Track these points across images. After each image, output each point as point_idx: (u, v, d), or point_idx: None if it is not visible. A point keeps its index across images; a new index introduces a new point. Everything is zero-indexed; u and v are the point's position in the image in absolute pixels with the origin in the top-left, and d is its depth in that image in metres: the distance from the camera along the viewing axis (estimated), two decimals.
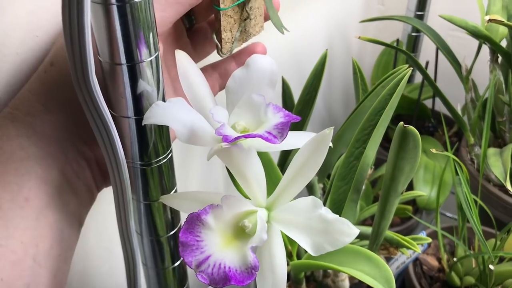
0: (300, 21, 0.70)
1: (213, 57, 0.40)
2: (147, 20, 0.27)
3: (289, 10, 0.66)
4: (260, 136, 0.27)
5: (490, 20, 0.52)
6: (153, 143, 0.32)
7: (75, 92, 0.27)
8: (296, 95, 0.53)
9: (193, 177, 0.63)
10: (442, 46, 0.71)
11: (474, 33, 0.62)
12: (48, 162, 0.31)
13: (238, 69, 0.33)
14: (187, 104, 0.30)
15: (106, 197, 0.37)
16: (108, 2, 0.26)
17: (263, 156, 0.41)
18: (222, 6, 0.35)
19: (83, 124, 0.31)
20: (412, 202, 0.75)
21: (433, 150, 0.46)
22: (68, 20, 0.24)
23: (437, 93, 0.67)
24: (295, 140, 0.30)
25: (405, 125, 0.34)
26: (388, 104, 0.40)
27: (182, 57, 0.33)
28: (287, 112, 0.30)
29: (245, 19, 0.37)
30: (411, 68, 0.40)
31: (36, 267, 0.30)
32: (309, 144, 0.29)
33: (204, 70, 0.40)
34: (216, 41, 0.36)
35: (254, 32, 0.39)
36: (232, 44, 0.37)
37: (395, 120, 0.84)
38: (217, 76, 0.40)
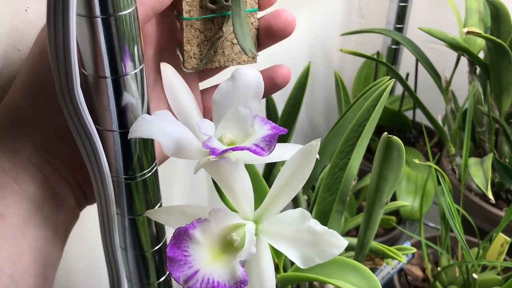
0: None
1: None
2: (132, 33, 0.27)
3: None
4: (248, 149, 0.27)
5: (468, 32, 0.53)
6: (137, 157, 0.31)
7: (36, 106, 0.26)
8: (280, 106, 0.54)
9: (177, 189, 0.62)
10: (422, 58, 0.72)
11: (453, 45, 0.63)
12: (25, 177, 0.30)
13: (224, 81, 0.33)
14: (173, 117, 0.30)
15: (89, 211, 0.36)
16: (92, 14, 0.25)
17: (250, 169, 0.41)
18: (185, 15, 0.33)
19: (58, 140, 0.31)
20: (396, 212, 0.75)
21: (416, 161, 0.47)
22: (53, 33, 0.23)
23: (418, 104, 0.68)
24: (281, 152, 0.30)
25: (389, 135, 0.34)
26: (372, 115, 0.40)
27: (167, 70, 0.32)
28: (273, 124, 0.30)
29: (219, 38, 0.35)
30: (393, 80, 0.40)
31: (13, 286, 0.29)
32: (296, 157, 0.29)
33: (210, 89, 0.38)
34: (179, 53, 0.34)
35: (238, 59, 0.36)
36: (200, 61, 0.35)
37: (376, 131, 0.85)
38: None
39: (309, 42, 0.83)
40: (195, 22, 0.34)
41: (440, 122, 0.69)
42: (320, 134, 0.95)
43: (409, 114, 0.88)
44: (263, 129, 0.29)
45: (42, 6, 0.35)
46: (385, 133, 0.34)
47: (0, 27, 0.34)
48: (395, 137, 0.34)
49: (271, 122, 0.30)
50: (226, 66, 0.37)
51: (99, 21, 0.26)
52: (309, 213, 0.28)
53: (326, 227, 0.28)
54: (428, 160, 0.82)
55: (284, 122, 0.50)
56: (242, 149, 0.27)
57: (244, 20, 0.34)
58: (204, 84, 0.39)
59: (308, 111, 0.89)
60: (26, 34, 0.35)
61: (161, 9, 0.31)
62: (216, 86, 0.38)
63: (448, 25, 0.85)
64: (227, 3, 0.35)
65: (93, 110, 0.29)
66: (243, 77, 0.33)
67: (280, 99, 0.56)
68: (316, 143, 0.28)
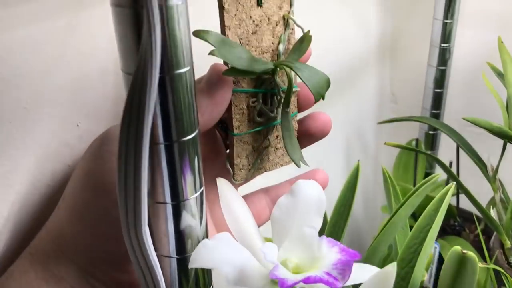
0: None
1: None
2: (195, 157, 0.26)
3: None
4: (321, 280, 0.25)
5: None
6: (195, 283, 0.29)
7: (80, 229, 0.25)
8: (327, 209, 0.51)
9: None
10: (463, 144, 0.70)
11: (500, 134, 0.61)
12: None
13: (283, 196, 0.31)
14: (233, 240, 0.28)
15: None
16: (155, 141, 0.24)
17: None
18: (236, 131, 0.33)
19: (102, 263, 0.30)
20: None
21: (481, 264, 0.43)
22: (124, 164, 0.22)
23: (465, 192, 0.65)
24: (355, 274, 0.28)
25: (463, 251, 0.31)
26: (435, 220, 0.38)
27: (223, 186, 0.31)
28: (342, 246, 0.27)
29: (266, 147, 0.35)
30: (454, 184, 0.38)
31: None
32: (370, 283, 0.26)
33: (255, 194, 0.38)
34: (229, 166, 0.34)
35: (281, 162, 0.37)
36: (249, 171, 0.35)
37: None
38: (268, 200, 0.37)
39: (346, 131, 0.82)
40: (244, 136, 0.34)
41: (491, 212, 0.66)
42: (362, 229, 0.91)
43: (452, 200, 0.84)
44: (332, 252, 0.27)
45: (94, 122, 0.35)
46: (459, 248, 0.31)
47: (51, 142, 0.34)
48: (470, 253, 0.31)
49: (339, 243, 0.28)
50: (271, 170, 0.37)
51: (161, 147, 0.25)
52: None
53: None
54: (475, 248, 0.78)
55: (334, 224, 0.48)
56: (314, 281, 0.25)
57: (292, 132, 0.34)
58: None
59: None
60: (76, 149, 0.35)
61: (209, 127, 0.31)
62: (260, 190, 0.38)
63: (486, 110, 0.84)
64: (273, 115, 0.35)
65: (150, 235, 0.28)
66: (303, 191, 0.31)
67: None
68: (393, 268, 0.26)
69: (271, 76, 0.33)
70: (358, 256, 0.26)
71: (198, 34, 0.28)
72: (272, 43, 0.33)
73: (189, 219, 0.27)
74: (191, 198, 0.27)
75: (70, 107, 0.34)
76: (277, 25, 0.33)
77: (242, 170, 0.35)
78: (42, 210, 0.33)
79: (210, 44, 0.28)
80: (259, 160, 0.35)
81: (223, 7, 0.30)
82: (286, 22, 0.34)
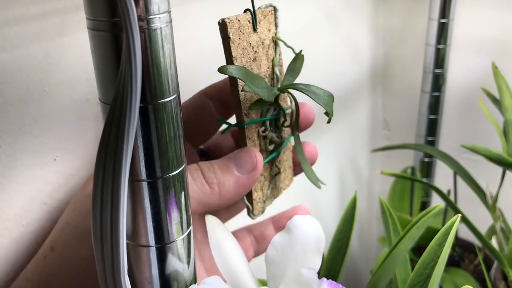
0: None
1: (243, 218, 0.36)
2: (182, 194, 0.23)
3: None
4: None
5: None
6: None
7: (77, 280, 0.24)
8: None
9: None
10: (460, 171, 0.68)
11: (498, 161, 0.59)
12: None
13: (278, 234, 0.28)
14: (224, 284, 0.26)
15: None
16: (136, 178, 0.22)
17: None
18: None
19: None
20: None
21: None
22: (99, 205, 0.20)
23: (465, 222, 0.63)
24: None
25: None
26: (440, 256, 0.36)
27: (213, 224, 0.28)
28: None
29: (276, 175, 0.34)
30: (460, 216, 0.36)
31: None
32: None
33: (237, 232, 0.36)
34: (247, 202, 0.32)
35: (284, 186, 0.36)
36: (264, 203, 0.33)
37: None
38: (253, 240, 0.35)
39: (339, 160, 0.80)
40: None
41: (493, 242, 0.63)
42: (359, 263, 0.88)
43: None
44: None
45: (72, 155, 0.32)
46: (469, 287, 0.29)
47: (26, 178, 0.31)
48: None
49: (341, 286, 0.25)
50: (276, 197, 0.36)
51: (144, 184, 0.22)
52: None
53: None
54: (477, 280, 0.75)
55: (332, 259, 0.45)
56: None
57: (304, 155, 0.33)
58: None
59: None
60: (54, 185, 0.32)
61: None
62: (242, 228, 0.37)
63: (482, 136, 0.82)
64: (279, 140, 0.34)
65: (132, 280, 0.25)
66: (299, 228, 0.28)
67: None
68: None
69: (274, 101, 0.32)
70: None
71: (223, 70, 0.27)
72: (268, 67, 0.32)
73: (176, 263, 0.25)
74: (178, 239, 0.24)
75: (46, 140, 0.31)
76: (269, 48, 0.32)
77: (259, 204, 0.33)
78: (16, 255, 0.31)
79: (239, 78, 0.28)
80: (270, 189, 0.34)
81: (229, 37, 0.28)
82: (275, 44, 0.32)
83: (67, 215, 0.29)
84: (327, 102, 0.29)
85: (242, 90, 0.28)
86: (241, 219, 0.36)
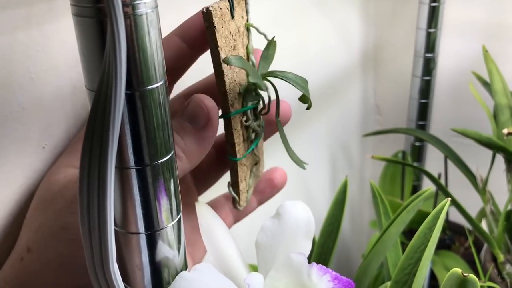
0: (301, 144, 0.68)
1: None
2: (171, 180, 0.23)
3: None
4: None
5: (509, 134, 0.50)
6: None
7: (60, 276, 0.24)
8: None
9: None
10: (451, 155, 0.69)
11: (489, 144, 0.59)
12: None
13: (268, 220, 0.29)
14: (215, 270, 0.26)
15: None
16: (124, 165, 0.22)
17: None
18: (238, 156, 0.31)
19: None
20: None
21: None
22: (86, 193, 0.19)
23: (455, 206, 0.64)
24: None
25: (464, 274, 0.29)
26: (430, 239, 0.36)
27: (204, 211, 0.28)
28: (334, 273, 0.25)
29: (256, 164, 0.34)
30: (449, 199, 0.36)
31: None
32: None
33: (215, 201, 0.36)
34: (234, 194, 0.32)
35: (260, 174, 0.36)
36: (247, 192, 0.33)
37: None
38: (232, 207, 0.35)
39: (330, 144, 0.80)
40: (243, 159, 0.32)
41: (482, 225, 0.64)
42: (352, 247, 0.89)
43: None
44: (323, 280, 0.25)
45: (60, 144, 0.32)
46: (459, 270, 0.29)
47: (14, 167, 0.31)
48: (471, 276, 0.29)
49: (330, 271, 0.25)
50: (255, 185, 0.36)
51: (133, 172, 0.22)
52: None
53: None
54: (467, 262, 0.76)
55: (322, 244, 0.46)
56: None
57: (287, 141, 0.32)
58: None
59: None
60: (43, 172, 0.32)
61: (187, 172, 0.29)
62: (221, 196, 0.37)
63: (472, 119, 0.83)
64: (259, 129, 0.34)
65: (122, 268, 0.25)
66: (289, 213, 0.29)
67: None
68: None
69: (254, 90, 0.31)
70: (353, 285, 0.24)
71: (227, 61, 0.27)
72: (244, 55, 0.31)
73: (166, 250, 0.25)
74: (168, 226, 0.24)
75: (34, 128, 0.31)
76: (243, 35, 0.31)
77: (243, 194, 0.33)
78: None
79: (243, 69, 0.28)
80: (252, 179, 0.34)
81: (214, 26, 0.27)
82: (247, 31, 0.32)
83: (36, 215, 0.28)
84: (303, 86, 0.29)
85: (249, 81, 0.29)
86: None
